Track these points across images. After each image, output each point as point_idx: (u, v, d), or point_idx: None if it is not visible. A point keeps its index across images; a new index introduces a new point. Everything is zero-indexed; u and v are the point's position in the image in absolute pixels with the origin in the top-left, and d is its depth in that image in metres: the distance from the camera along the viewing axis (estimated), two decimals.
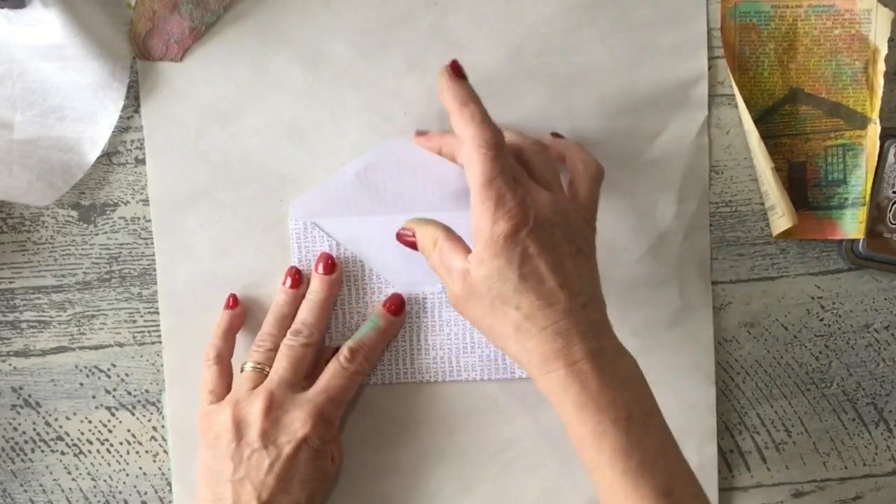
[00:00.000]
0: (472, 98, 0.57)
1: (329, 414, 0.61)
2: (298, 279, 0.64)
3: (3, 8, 0.59)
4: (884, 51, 0.65)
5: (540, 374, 0.55)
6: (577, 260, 0.56)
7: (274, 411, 0.60)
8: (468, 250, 0.57)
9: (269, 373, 0.62)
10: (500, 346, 0.57)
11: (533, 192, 0.57)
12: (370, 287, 0.65)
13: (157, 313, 0.66)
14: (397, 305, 0.64)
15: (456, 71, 0.58)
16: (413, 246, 0.60)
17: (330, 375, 0.62)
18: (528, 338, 0.55)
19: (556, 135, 0.63)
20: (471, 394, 0.66)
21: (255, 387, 0.61)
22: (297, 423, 0.59)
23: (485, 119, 0.57)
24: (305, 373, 0.62)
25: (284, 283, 0.64)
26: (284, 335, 0.63)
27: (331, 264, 0.64)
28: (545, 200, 0.56)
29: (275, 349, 0.62)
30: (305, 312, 0.63)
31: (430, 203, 0.64)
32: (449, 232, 0.59)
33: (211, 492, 0.60)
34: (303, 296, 0.64)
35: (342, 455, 0.64)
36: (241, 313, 0.64)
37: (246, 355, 0.63)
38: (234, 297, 0.64)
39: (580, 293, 0.56)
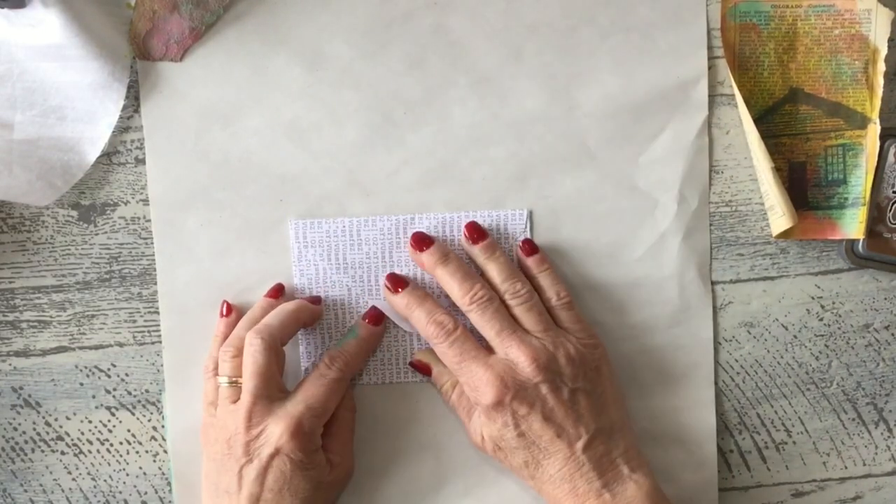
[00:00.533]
0: (413, 303, 0.62)
1: (308, 425, 0.60)
2: (280, 292, 0.64)
3: (3, 8, 0.59)
4: (884, 51, 0.65)
5: None
6: (571, 403, 0.59)
7: (255, 426, 0.59)
8: None
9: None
10: (528, 483, 0.62)
11: (511, 354, 0.59)
12: (370, 286, 0.65)
13: (157, 313, 0.66)
14: (376, 317, 0.64)
15: (393, 284, 0.63)
16: (429, 375, 0.65)
17: (309, 384, 0.61)
18: (541, 483, 0.60)
19: (526, 244, 0.64)
20: None
21: (235, 400, 0.61)
22: (274, 436, 0.59)
23: (431, 317, 0.61)
24: (278, 375, 0.61)
25: (266, 293, 0.64)
26: None
27: (317, 300, 0.64)
28: (525, 359, 0.59)
29: (240, 355, 0.61)
30: (270, 316, 0.62)
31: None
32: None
33: (212, 502, 0.61)
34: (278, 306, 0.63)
35: (353, 461, 0.64)
36: (237, 320, 0.64)
37: (218, 365, 0.62)
38: (227, 304, 0.64)
39: (578, 436, 0.59)
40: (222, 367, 0.62)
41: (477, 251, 0.63)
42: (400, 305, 0.63)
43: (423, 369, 0.65)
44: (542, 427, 0.59)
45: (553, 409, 0.59)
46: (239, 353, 0.61)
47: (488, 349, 0.61)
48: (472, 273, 0.62)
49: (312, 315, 0.64)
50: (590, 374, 0.61)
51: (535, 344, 0.60)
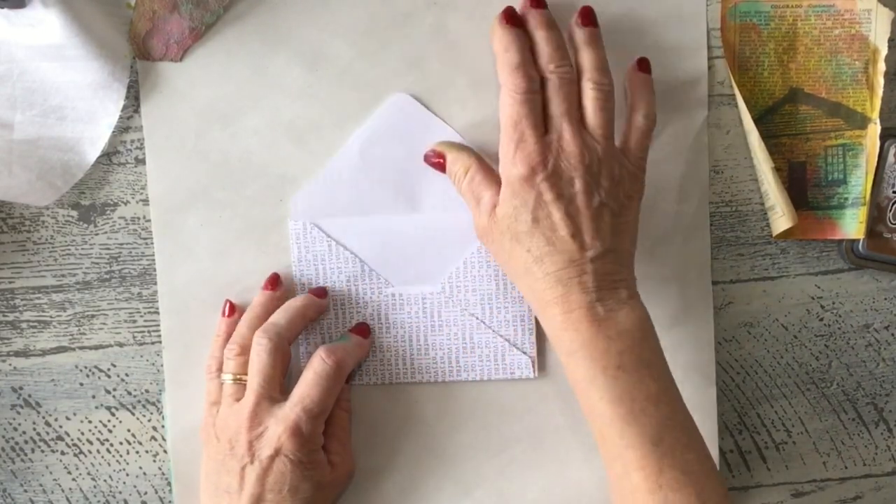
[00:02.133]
0: (513, 44, 0.59)
1: (306, 427, 0.59)
2: (276, 282, 0.64)
3: (3, 8, 0.59)
4: (884, 51, 0.65)
5: (541, 317, 0.59)
6: (597, 213, 0.58)
7: (256, 427, 0.59)
8: (499, 183, 0.59)
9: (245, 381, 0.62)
10: (513, 281, 0.60)
11: (565, 138, 0.58)
12: (369, 286, 0.65)
13: (157, 313, 0.66)
14: (363, 330, 0.64)
15: (506, 18, 0.60)
16: (441, 168, 0.62)
17: (304, 385, 0.61)
18: (534, 280, 0.58)
19: (642, 63, 0.63)
20: (471, 394, 0.66)
21: (237, 399, 0.61)
22: (274, 437, 0.59)
23: (519, 66, 0.59)
24: (281, 376, 0.61)
25: (263, 286, 0.64)
26: (252, 335, 0.62)
27: (322, 292, 0.64)
28: (575, 150, 0.58)
29: (244, 353, 0.62)
30: (277, 314, 0.62)
31: (429, 182, 0.64)
32: (481, 161, 0.61)
33: (212, 502, 0.61)
34: (279, 298, 0.64)
35: (353, 461, 0.64)
36: (239, 319, 0.64)
37: (223, 364, 0.63)
38: (231, 304, 0.64)
39: (592, 245, 0.57)
40: (227, 365, 0.62)
41: (580, 32, 0.61)
42: (502, 38, 0.60)
43: (438, 158, 0.62)
44: (562, 221, 0.57)
45: (579, 208, 0.57)
46: (243, 352, 0.62)
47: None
48: (567, 49, 0.60)
49: (318, 309, 0.64)
50: (622, 199, 0.59)
51: (590, 143, 0.58)
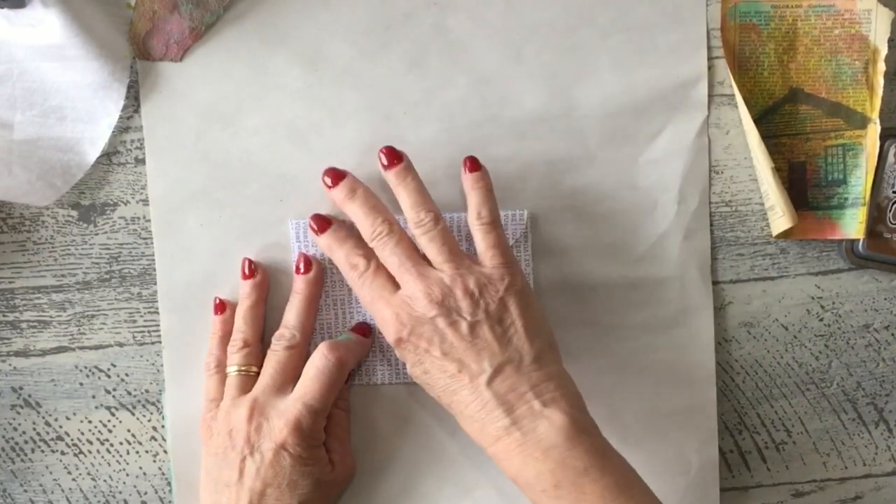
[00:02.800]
0: (331, 247, 0.62)
1: (306, 422, 0.60)
2: (253, 267, 0.64)
3: (3, 8, 0.59)
4: (884, 51, 0.65)
5: (483, 450, 0.58)
6: (472, 336, 0.57)
7: (257, 418, 0.60)
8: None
9: (254, 374, 0.62)
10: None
11: (409, 289, 0.58)
12: None
13: (157, 313, 0.66)
14: (364, 329, 0.64)
15: (314, 226, 0.62)
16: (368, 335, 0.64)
17: (308, 379, 0.61)
18: (460, 420, 0.58)
19: (469, 160, 0.61)
20: None
21: (243, 392, 0.62)
22: (275, 430, 0.59)
23: (344, 258, 0.61)
24: (293, 375, 0.62)
25: (241, 275, 0.64)
26: (254, 327, 0.63)
27: (308, 263, 0.63)
28: (420, 295, 0.58)
29: (247, 345, 0.62)
30: (289, 314, 0.63)
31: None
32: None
33: (211, 498, 0.61)
34: (262, 284, 0.64)
35: (353, 461, 0.64)
36: (231, 316, 0.64)
37: (228, 357, 0.63)
38: (221, 301, 0.64)
39: (481, 370, 0.57)
40: (232, 359, 0.62)
41: (391, 176, 0.60)
42: (324, 247, 0.62)
43: (363, 331, 0.64)
44: (443, 363, 0.57)
45: (452, 343, 0.57)
46: (246, 345, 0.62)
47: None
48: (379, 206, 0.61)
49: (316, 294, 0.64)
50: (495, 306, 0.57)
51: (432, 276, 0.58)
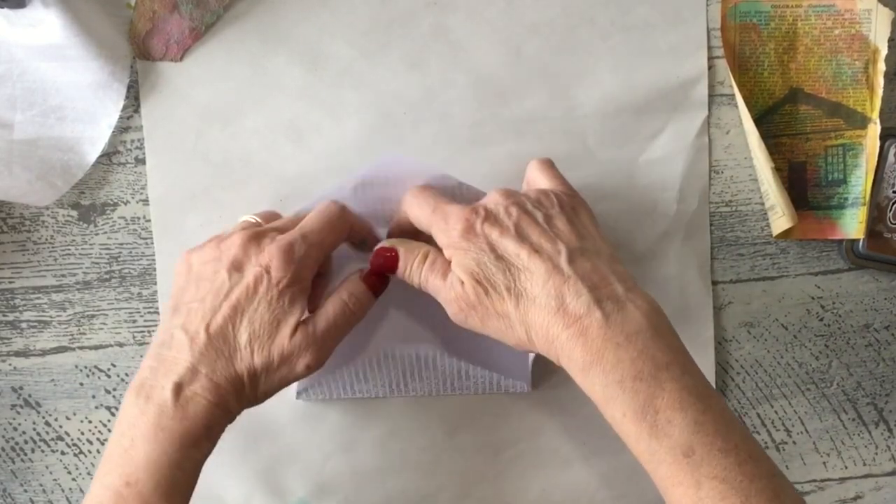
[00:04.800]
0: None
1: (299, 248, 0.56)
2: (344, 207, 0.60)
3: (3, 8, 0.59)
4: (884, 51, 0.65)
5: (547, 348, 0.53)
6: (547, 224, 0.55)
7: (252, 245, 0.56)
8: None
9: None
10: (515, 343, 0.55)
11: (490, 195, 0.56)
12: (377, 313, 0.64)
13: (157, 313, 0.66)
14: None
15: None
16: (393, 262, 0.58)
17: (308, 219, 0.57)
18: (526, 314, 0.53)
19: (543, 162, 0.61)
20: (471, 396, 0.66)
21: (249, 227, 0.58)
22: (264, 252, 0.55)
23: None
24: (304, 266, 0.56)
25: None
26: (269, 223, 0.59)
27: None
28: (495, 193, 0.56)
29: (273, 218, 0.59)
30: (312, 218, 0.58)
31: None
32: (436, 250, 0.58)
33: (167, 316, 0.56)
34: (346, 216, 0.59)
35: (325, 351, 0.57)
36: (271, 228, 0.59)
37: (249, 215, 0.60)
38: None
39: (558, 251, 0.54)
40: (258, 216, 0.59)
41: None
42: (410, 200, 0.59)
43: (389, 252, 0.58)
44: (517, 245, 0.54)
45: (525, 229, 0.55)
46: (272, 218, 0.59)
47: None
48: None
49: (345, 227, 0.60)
50: (566, 209, 0.56)
51: (510, 192, 0.57)
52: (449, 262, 0.56)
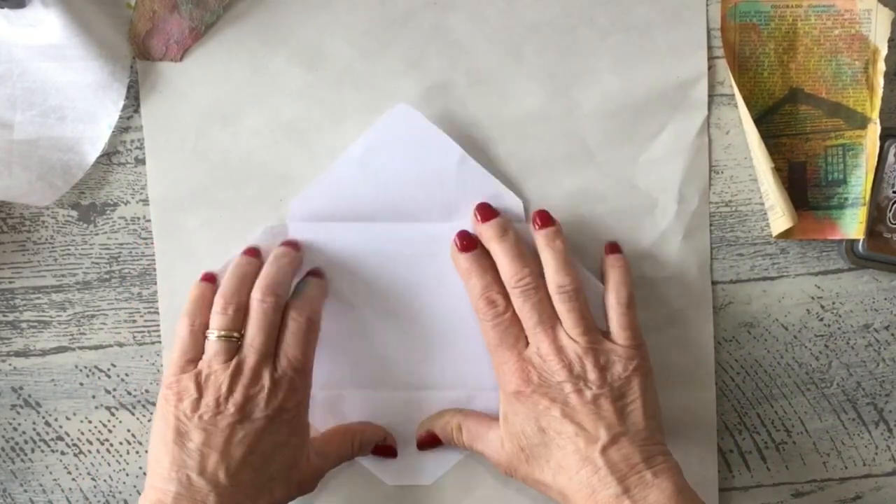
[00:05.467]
0: (472, 271, 0.62)
1: (298, 384, 0.60)
2: (256, 251, 0.63)
3: (3, 8, 0.59)
4: (884, 51, 0.65)
5: None
6: (594, 405, 0.58)
7: (251, 386, 0.58)
8: (492, 419, 0.62)
9: (238, 339, 0.59)
10: (555, 498, 0.60)
11: (543, 350, 0.59)
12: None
13: (157, 313, 0.66)
14: (290, 243, 0.63)
15: (462, 243, 0.62)
16: (437, 442, 0.65)
17: (288, 345, 0.60)
18: (562, 488, 0.58)
19: (611, 246, 0.64)
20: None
21: (230, 357, 0.59)
22: (271, 397, 0.58)
23: (482, 293, 0.61)
24: (276, 337, 0.60)
25: (243, 252, 0.62)
26: (246, 294, 0.60)
27: (294, 244, 0.63)
28: (553, 357, 0.59)
29: (240, 309, 0.60)
30: (270, 275, 0.61)
31: (429, 194, 0.64)
32: (466, 412, 0.64)
33: (171, 458, 0.58)
34: (261, 262, 0.62)
35: (320, 474, 0.63)
36: (215, 285, 0.62)
37: (210, 319, 0.60)
38: (208, 273, 0.62)
39: (598, 436, 0.58)
40: (216, 321, 0.60)
41: (540, 235, 0.62)
42: (462, 268, 0.62)
43: (429, 437, 0.65)
44: (562, 423, 0.58)
45: (574, 407, 0.58)
46: (239, 309, 0.60)
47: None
48: (526, 254, 0.61)
49: (299, 262, 0.63)
50: (617, 383, 0.59)
51: (568, 345, 0.59)
52: (480, 421, 0.63)
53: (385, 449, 0.65)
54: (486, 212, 0.63)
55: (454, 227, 0.63)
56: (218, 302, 0.60)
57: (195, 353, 0.60)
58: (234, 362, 0.59)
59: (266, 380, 0.59)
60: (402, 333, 0.65)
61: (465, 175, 0.64)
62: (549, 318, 0.60)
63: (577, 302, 0.60)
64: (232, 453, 0.57)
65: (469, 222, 0.64)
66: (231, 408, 0.58)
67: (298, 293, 0.62)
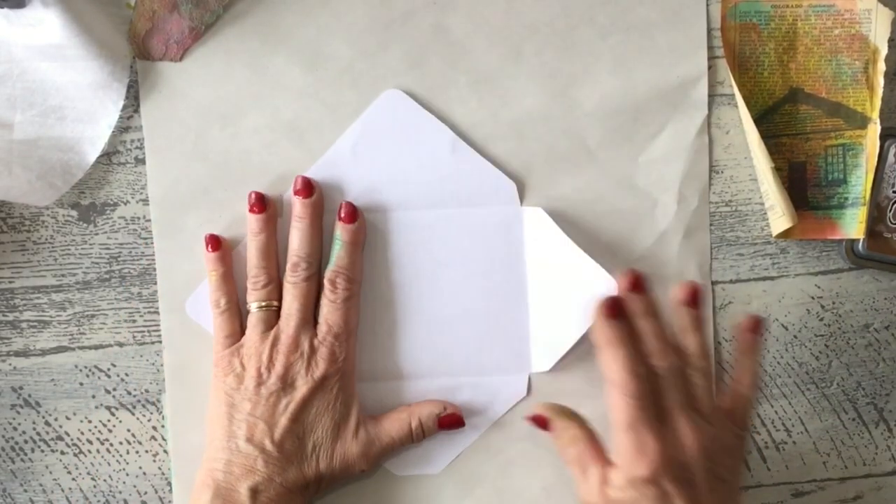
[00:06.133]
0: (619, 340, 0.56)
1: (339, 353, 0.61)
2: (262, 202, 0.63)
3: (3, 8, 0.59)
4: (884, 51, 0.65)
5: None
6: (716, 492, 0.56)
7: (290, 354, 0.61)
8: (605, 458, 0.57)
9: (276, 308, 0.62)
10: None
11: (682, 432, 0.55)
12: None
13: (157, 313, 0.66)
14: (348, 213, 0.63)
15: (610, 310, 0.56)
16: (545, 428, 0.60)
17: (325, 312, 0.62)
18: None
19: (753, 321, 0.61)
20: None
21: (269, 327, 0.62)
22: (313, 365, 0.61)
23: (629, 367, 0.55)
24: (314, 304, 0.63)
25: (250, 209, 0.63)
26: (273, 263, 0.63)
27: (308, 186, 0.63)
28: (691, 442, 0.55)
29: (271, 281, 0.63)
30: (297, 243, 0.63)
31: (423, 180, 0.64)
32: (592, 437, 0.58)
33: (224, 430, 0.61)
34: (272, 217, 0.64)
35: (373, 463, 0.63)
36: (226, 252, 0.64)
37: (247, 296, 0.63)
38: (213, 237, 0.63)
39: None
40: (254, 295, 0.63)
41: (686, 315, 0.59)
42: (604, 334, 0.56)
43: (541, 423, 0.60)
44: None
45: (701, 494, 0.55)
46: (270, 280, 0.63)
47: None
48: (670, 336, 0.58)
49: (317, 213, 0.64)
50: (733, 465, 0.57)
51: (704, 428, 0.56)
52: (594, 451, 0.57)
53: (450, 418, 0.64)
54: (635, 282, 0.58)
55: (448, 214, 0.64)
56: (254, 278, 0.63)
57: (233, 329, 0.63)
58: (272, 332, 0.62)
59: (305, 346, 0.61)
60: (393, 321, 0.65)
61: (458, 158, 0.64)
62: (687, 397, 0.56)
63: (709, 381, 0.58)
64: (277, 422, 0.60)
65: (468, 208, 0.64)
66: (273, 377, 0.60)
67: (332, 257, 0.63)
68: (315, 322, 0.62)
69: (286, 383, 0.61)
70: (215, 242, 0.64)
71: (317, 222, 0.63)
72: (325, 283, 0.62)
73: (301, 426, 0.61)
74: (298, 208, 0.63)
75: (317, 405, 0.61)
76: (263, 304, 0.62)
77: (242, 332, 0.63)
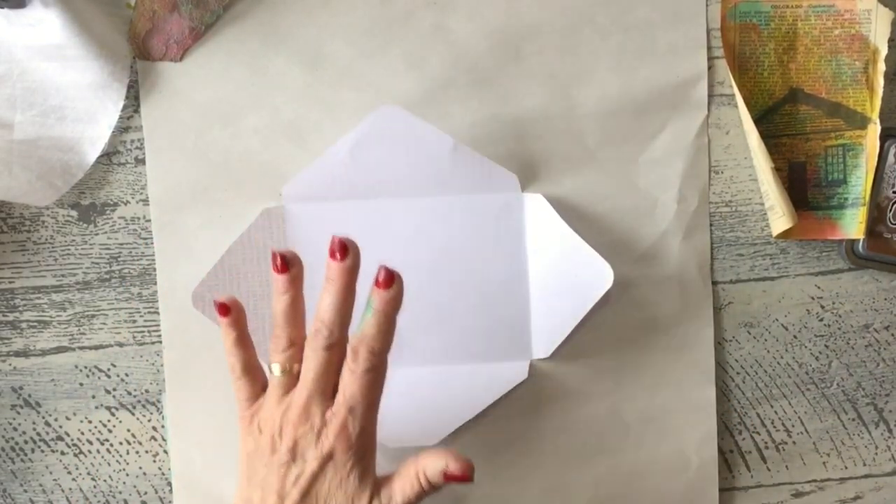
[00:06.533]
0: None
1: (352, 427, 0.56)
2: (286, 262, 0.58)
3: (3, 8, 0.59)
4: (884, 51, 0.65)
5: None
6: None
7: (299, 426, 0.56)
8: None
9: (297, 371, 0.57)
10: None
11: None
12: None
13: (157, 313, 0.66)
14: (386, 278, 0.56)
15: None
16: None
17: (345, 381, 0.57)
18: None
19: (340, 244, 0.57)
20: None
21: (287, 392, 0.57)
22: (322, 438, 0.56)
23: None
24: (336, 375, 0.57)
25: (273, 268, 0.58)
26: (296, 325, 0.58)
27: (344, 248, 0.57)
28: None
29: (292, 345, 0.58)
30: (324, 308, 0.57)
31: (423, 176, 0.64)
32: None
33: (243, 491, 0.58)
34: (297, 277, 0.58)
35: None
36: (239, 315, 0.60)
37: (269, 355, 0.59)
38: (223, 304, 0.59)
39: None
40: (276, 358, 0.58)
41: None
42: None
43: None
44: None
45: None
46: (292, 344, 0.58)
47: None
48: None
49: (350, 279, 0.57)
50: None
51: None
52: None
53: (454, 478, 0.58)
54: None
55: (449, 200, 0.64)
56: (277, 342, 0.58)
57: (252, 392, 0.59)
58: (287, 399, 0.57)
59: (317, 419, 0.56)
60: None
61: (459, 159, 0.64)
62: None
63: None
64: (288, 493, 0.56)
65: (469, 195, 0.64)
66: (283, 447, 0.56)
67: (361, 322, 0.57)
68: (335, 391, 0.57)
69: (296, 455, 0.56)
70: (224, 308, 0.59)
71: (348, 287, 0.57)
72: (349, 349, 0.57)
73: (313, 500, 0.56)
74: (331, 270, 0.57)
75: (329, 480, 0.56)
76: (286, 367, 0.58)
77: (262, 390, 0.59)
